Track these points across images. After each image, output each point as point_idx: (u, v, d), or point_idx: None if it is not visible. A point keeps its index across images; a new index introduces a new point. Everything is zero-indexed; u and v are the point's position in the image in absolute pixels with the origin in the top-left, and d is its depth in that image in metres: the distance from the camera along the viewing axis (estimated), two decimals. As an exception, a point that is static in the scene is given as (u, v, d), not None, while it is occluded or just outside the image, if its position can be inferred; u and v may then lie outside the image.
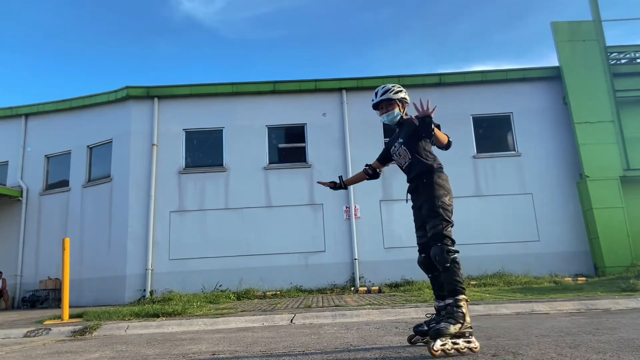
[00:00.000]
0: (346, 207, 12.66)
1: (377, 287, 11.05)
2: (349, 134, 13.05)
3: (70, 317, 7.35)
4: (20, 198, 13.97)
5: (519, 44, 60.21)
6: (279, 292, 10.98)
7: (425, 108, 3.29)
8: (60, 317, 7.20)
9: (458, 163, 12.90)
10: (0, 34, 53.46)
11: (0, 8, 46.24)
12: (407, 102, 3.77)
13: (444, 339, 2.95)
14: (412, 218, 3.64)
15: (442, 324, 3.03)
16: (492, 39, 60.21)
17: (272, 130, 13.45)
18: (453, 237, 3.40)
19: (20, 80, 59.26)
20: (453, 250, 3.33)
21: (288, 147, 13.60)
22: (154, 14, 54.24)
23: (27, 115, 14.70)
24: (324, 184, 4.25)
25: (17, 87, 58.96)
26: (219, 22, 62.87)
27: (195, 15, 62.07)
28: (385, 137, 13.21)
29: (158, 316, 6.88)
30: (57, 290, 12.83)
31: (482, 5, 53.53)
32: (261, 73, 68.17)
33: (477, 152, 13.00)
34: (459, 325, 3.04)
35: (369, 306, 6.89)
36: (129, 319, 6.72)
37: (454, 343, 2.99)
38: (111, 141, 13.38)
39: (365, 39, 59.17)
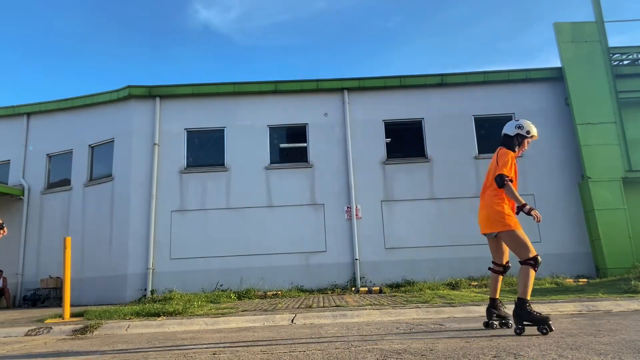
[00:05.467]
0: (347, 207, 12.65)
1: (378, 288, 11.04)
2: (350, 134, 13.04)
3: (71, 316, 7.36)
4: (22, 197, 14.00)
5: (525, 51, 60.42)
6: (279, 292, 10.98)
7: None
8: (61, 316, 7.21)
9: (459, 164, 12.90)
10: (2, 33, 53.60)
11: (3, 7, 46.33)
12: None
13: None
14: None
15: None
16: (498, 47, 60.47)
17: (274, 130, 13.45)
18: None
19: (24, 79, 59.39)
20: None
21: (289, 147, 13.59)
22: (171, 22, 54.80)
23: (29, 114, 14.72)
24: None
25: (19, 86, 59.11)
26: (234, 30, 63.38)
27: (212, 23, 62.54)
28: (387, 138, 13.21)
29: (159, 315, 6.89)
30: (58, 289, 12.85)
31: (489, 14, 53.76)
32: (270, 77, 68.55)
33: (479, 153, 12.99)
34: None
35: (369, 306, 6.89)
36: (129, 318, 6.72)
37: None
38: (113, 140, 13.39)
39: (375, 46, 59.68)
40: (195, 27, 60.89)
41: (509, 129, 4.50)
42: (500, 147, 4.50)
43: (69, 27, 53.98)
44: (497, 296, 4.45)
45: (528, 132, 4.41)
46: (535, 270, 4.03)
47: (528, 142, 4.49)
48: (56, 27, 54.17)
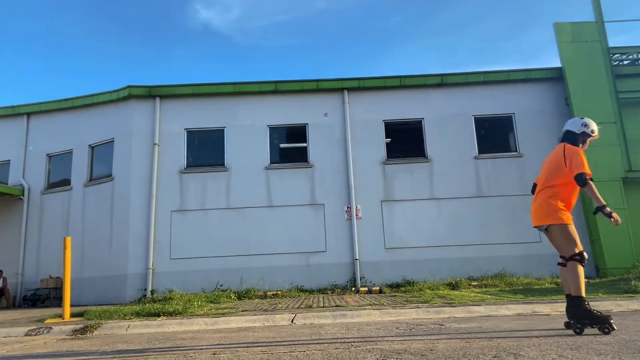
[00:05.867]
0: (347, 207, 12.65)
1: (378, 288, 11.04)
2: (350, 134, 13.04)
3: (71, 316, 7.36)
4: (22, 197, 13.99)
5: (525, 51, 60.55)
6: (279, 292, 10.98)
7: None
8: (61, 316, 7.21)
9: (459, 164, 12.90)
10: (3, 33, 53.62)
11: (3, 7, 46.34)
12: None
13: None
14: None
15: None
16: (498, 46, 60.64)
17: (274, 130, 13.45)
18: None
19: (23, 78, 59.40)
20: None
21: (289, 147, 13.59)
22: (171, 22, 55.00)
23: (29, 114, 14.72)
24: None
25: (19, 86, 59.11)
26: (234, 30, 63.56)
27: (212, 23, 62.73)
28: (387, 138, 13.20)
29: (159, 315, 6.89)
30: (58, 289, 12.84)
31: (489, 14, 53.87)
32: (270, 77, 68.75)
33: (479, 153, 12.98)
34: None
35: (369, 306, 6.89)
36: (129, 318, 6.73)
37: None
38: (113, 140, 13.39)
39: (375, 46, 59.84)
40: (195, 27, 61.05)
41: (574, 126, 4.36)
42: (563, 143, 4.32)
43: (69, 27, 54.02)
44: None
45: (593, 131, 4.33)
46: (583, 266, 3.91)
47: (590, 141, 4.40)
48: (57, 27, 54.23)
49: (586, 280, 10.71)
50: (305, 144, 13.26)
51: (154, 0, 53.09)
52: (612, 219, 3.86)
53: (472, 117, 13.28)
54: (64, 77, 59.56)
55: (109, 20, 52.44)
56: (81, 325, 6.05)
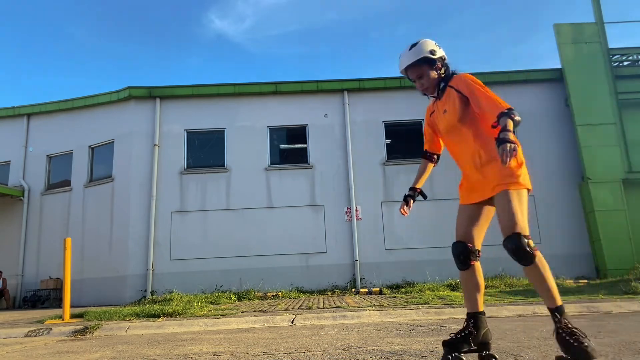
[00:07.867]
0: (347, 208, 12.65)
1: (378, 289, 11.03)
2: (350, 135, 13.05)
3: (71, 317, 7.35)
4: (22, 198, 13.99)
5: (532, 57, 60.78)
6: (279, 293, 10.97)
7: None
8: (61, 317, 7.20)
9: (459, 165, 12.91)
10: (2, 33, 53.69)
11: (5, 8, 46.39)
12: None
13: None
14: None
15: None
16: (505, 53, 60.97)
17: (274, 131, 13.46)
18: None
19: (23, 79, 59.45)
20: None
21: (289, 147, 13.59)
22: (186, 32, 55.67)
23: (29, 115, 14.74)
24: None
25: (19, 87, 59.17)
26: (246, 39, 64.21)
27: (226, 33, 63.39)
28: (387, 139, 13.20)
29: (159, 316, 6.88)
30: (58, 290, 12.84)
31: (495, 22, 54.23)
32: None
33: (479, 154, 12.98)
34: None
35: (369, 307, 6.88)
36: (129, 319, 6.72)
37: None
38: (113, 141, 13.40)
39: (384, 55, 60.44)
40: (209, 35, 61.88)
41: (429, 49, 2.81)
42: (461, 74, 2.85)
43: (81, 32, 54.10)
44: None
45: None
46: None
47: None
48: (68, 33, 54.63)
49: (586, 281, 10.74)
50: (305, 145, 13.26)
51: (171, 11, 53.81)
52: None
53: (472, 118, 13.27)
54: (74, 81, 59.89)
55: (127, 31, 53.05)
56: (81, 327, 6.04)
